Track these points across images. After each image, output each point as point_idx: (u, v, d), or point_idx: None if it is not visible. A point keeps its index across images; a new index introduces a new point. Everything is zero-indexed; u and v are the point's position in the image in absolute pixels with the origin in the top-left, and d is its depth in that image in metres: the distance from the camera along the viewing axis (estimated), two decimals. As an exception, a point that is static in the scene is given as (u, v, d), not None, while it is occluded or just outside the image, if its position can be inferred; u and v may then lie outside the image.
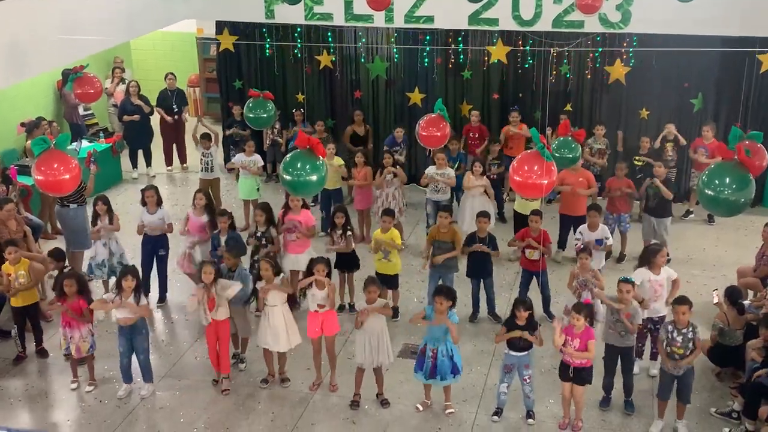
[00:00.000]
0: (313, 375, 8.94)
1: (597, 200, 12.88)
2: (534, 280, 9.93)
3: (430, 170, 11.72)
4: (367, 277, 8.67)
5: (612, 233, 11.52)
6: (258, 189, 12.52)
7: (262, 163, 12.74)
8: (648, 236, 11.23)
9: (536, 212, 9.94)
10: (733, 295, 8.89)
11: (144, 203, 10.27)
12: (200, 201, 10.23)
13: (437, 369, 8.16)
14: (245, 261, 9.77)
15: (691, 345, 7.80)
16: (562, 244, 11.58)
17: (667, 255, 9.25)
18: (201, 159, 12.84)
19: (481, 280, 10.02)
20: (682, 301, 7.87)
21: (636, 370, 8.73)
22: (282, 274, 8.80)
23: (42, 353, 9.48)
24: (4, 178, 11.25)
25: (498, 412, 8.33)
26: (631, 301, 8.13)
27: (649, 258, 8.87)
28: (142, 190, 10.40)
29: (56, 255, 9.56)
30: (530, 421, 8.26)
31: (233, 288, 8.50)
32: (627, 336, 8.21)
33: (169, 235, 10.46)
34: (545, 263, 9.91)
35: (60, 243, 11.26)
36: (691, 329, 7.79)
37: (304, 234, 9.99)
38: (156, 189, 10.37)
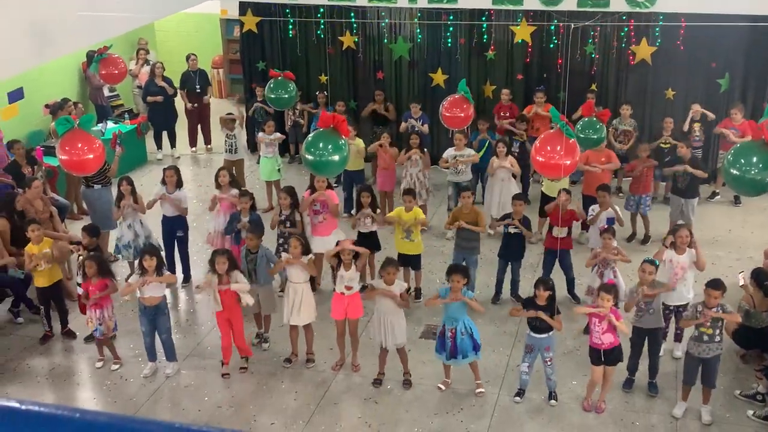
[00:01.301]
0: (335, 355, 8.99)
1: (622, 182, 12.82)
2: (558, 262, 9.89)
3: (449, 152, 11.66)
4: (385, 258, 8.68)
5: (635, 215, 11.49)
6: (279, 170, 12.55)
7: (284, 137, 12.75)
8: (675, 217, 11.12)
9: (567, 191, 9.96)
10: (759, 277, 8.80)
11: (164, 182, 10.33)
12: (224, 178, 10.33)
13: (458, 348, 8.18)
14: (272, 244, 9.82)
15: (720, 323, 7.72)
16: (586, 225, 11.51)
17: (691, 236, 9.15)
18: (225, 141, 12.89)
19: (510, 262, 10.02)
20: (716, 285, 7.73)
21: (660, 352, 8.70)
22: (310, 255, 8.83)
23: (69, 334, 9.58)
24: (29, 159, 11.35)
25: (520, 393, 8.33)
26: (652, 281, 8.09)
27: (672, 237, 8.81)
28: (164, 169, 10.47)
29: (90, 230, 9.50)
30: (552, 402, 8.25)
31: (244, 287, 8.54)
32: (656, 315, 8.16)
33: (187, 216, 10.54)
34: (571, 243, 9.89)
35: (86, 223, 11.36)
36: (720, 309, 7.71)
37: (330, 210, 9.99)
38: (177, 169, 10.43)
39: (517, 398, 8.31)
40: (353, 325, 8.74)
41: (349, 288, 8.57)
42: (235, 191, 10.25)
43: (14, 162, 11.26)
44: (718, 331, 7.74)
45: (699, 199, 11.42)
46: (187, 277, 10.74)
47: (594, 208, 10.15)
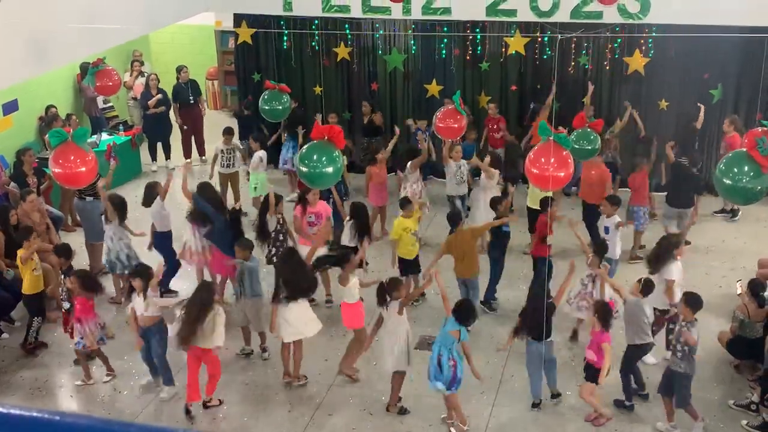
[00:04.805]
0: (329, 366, 8.99)
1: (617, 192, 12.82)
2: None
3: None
4: (390, 278, 8.34)
5: (642, 224, 11.39)
6: (255, 188, 12.39)
7: (265, 159, 12.63)
8: (671, 225, 11.03)
9: (546, 200, 9.88)
10: (754, 288, 8.79)
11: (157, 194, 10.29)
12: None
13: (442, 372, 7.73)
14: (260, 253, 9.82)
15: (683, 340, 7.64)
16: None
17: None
18: (222, 155, 12.86)
19: (496, 261, 10.10)
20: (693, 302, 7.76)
21: (654, 360, 8.74)
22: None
23: (41, 345, 9.54)
24: (37, 171, 11.39)
25: (537, 404, 8.33)
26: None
27: (671, 252, 8.74)
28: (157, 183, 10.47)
29: (59, 251, 9.26)
30: (554, 401, 8.32)
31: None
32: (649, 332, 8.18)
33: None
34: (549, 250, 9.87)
35: (79, 235, 11.39)
36: (687, 326, 7.63)
37: (323, 235, 9.91)
38: (157, 183, 10.41)
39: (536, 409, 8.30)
40: (357, 334, 8.74)
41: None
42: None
43: (22, 171, 11.35)
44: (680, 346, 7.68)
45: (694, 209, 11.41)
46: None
47: (601, 221, 10.07)
